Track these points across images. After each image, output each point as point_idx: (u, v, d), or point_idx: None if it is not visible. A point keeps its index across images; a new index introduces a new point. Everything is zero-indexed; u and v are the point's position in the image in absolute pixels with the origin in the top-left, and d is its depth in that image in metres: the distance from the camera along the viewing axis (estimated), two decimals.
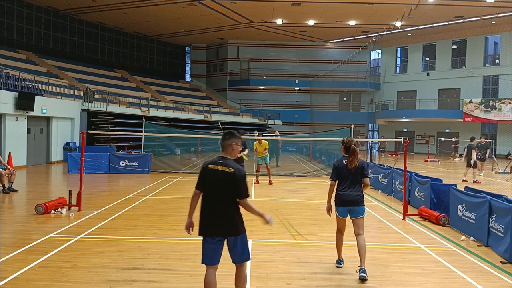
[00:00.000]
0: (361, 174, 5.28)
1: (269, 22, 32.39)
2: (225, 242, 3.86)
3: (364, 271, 4.99)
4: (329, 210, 5.41)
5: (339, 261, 5.53)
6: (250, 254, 4.05)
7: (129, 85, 32.77)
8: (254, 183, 13.38)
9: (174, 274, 5.07)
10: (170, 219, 8.13)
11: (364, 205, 5.29)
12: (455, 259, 5.92)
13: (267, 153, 13.84)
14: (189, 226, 3.99)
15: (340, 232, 5.45)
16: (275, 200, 10.64)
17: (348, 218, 5.36)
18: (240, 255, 3.85)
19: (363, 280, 4.93)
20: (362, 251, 5.10)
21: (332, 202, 5.40)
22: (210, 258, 3.84)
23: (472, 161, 15.08)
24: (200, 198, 3.92)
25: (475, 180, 15.02)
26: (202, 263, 3.89)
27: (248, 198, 3.81)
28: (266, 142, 13.92)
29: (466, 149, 15.77)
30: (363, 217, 5.28)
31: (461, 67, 34.50)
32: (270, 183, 13.61)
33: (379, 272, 5.33)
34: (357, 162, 5.28)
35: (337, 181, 5.38)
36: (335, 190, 5.39)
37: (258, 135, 14.47)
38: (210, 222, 3.82)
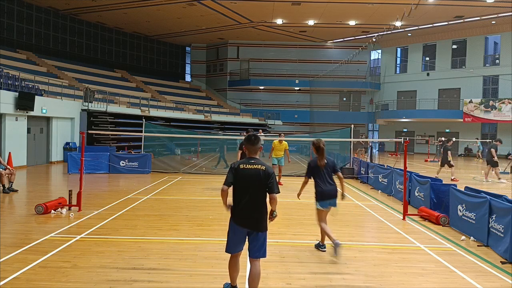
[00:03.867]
0: (333, 169, 6.12)
1: (269, 22, 32.39)
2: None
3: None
4: (298, 196, 6.43)
5: (323, 246, 6.16)
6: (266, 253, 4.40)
7: (129, 85, 32.77)
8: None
9: (174, 274, 5.07)
10: (170, 219, 8.13)
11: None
12: (455, 259, 5.92)
13: (282, 155, 13.31)
14: (229, 206, 4.32)
15: (323, 221, 6.10)
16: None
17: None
18: (259, 250, 4.27)
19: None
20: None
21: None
22: (235, 246, 4.30)
23: (450, 161, 15.72)
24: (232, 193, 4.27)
25: (452, 178, 15.26)
26: (226, 251, 4.33)
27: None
28: (286, 143, 13.31)
29: (442, 150, 16.37)
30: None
31: (461, 67, 34.50)
32: (279, 184, 13.37)
33: (379, 272, 5.33)
34: (325, 160, 6.07)
35: (313, 179, 6.12)
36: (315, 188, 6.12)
37: (280, 135, 13.68)
38: (242, 215, 4.23)
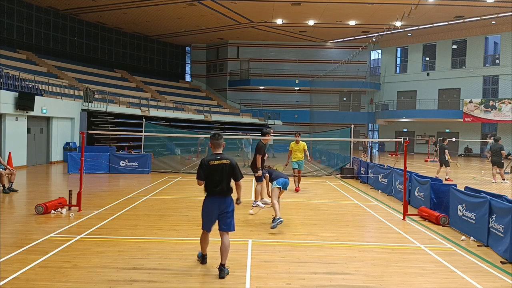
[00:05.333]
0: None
1: (269, 22, 32.39)
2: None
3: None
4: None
5: (280, 219, 7.26)
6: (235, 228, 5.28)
7: (129, 85, 32.77)
8: (296, 190, 12.01)
9: (174, 274, 5.07)
10: (170, 219, 8.13)
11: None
12: (455, 259, 5.92)
13: (302, 157, 12.04)
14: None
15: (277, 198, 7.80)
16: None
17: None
18: (228, 226, 5.17)
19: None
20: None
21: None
22: (209, 225, 5.24)
23: (449, 160, 15.80)
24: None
25: (447, 178, 15.23)
26: (202, 228, 5.29)
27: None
28: (304, 143, 12.06)
29: (438, 149, 16.36)
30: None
31: (461, 67, 34.50)
32: (297, 189, 12.01)
33: (379, 272, 5.33)
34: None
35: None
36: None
37: (295, 134, 12.24)
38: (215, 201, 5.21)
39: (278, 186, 7.78)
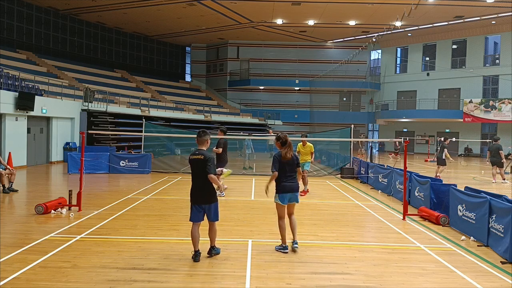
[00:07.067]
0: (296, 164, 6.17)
1: (269, 22, 32.40)
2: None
3: (297, 243, 6.09)
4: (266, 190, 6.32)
5: (285, 247, 6.03)
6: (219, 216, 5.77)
7: (129, 85, 32.77)
8: (300, 193, 11.39)
9: (174, 274, 5.07)
10: (170, 219, 8.13)
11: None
12: (455, 259, 5.92)
13: (310, 159, 11.78)
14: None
15: (281, 218, 6.11)
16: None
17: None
18: (214, 216, 5.68)
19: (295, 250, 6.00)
20: (293, 227, 6.14)
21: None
22: (197, 218, 5.65)
23: (449, 159, 15.94)
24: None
25: (438, 175, 15.22)
26: (190, 220, 5.64)
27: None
28: (311, 145, 11.80)
29: (439, 148, 16.36)
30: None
31: (461, 67, 34.50)
32: (304, 193, 11.53)
33: (379, 272, 5.32)
34: (291, 153, 6.09)
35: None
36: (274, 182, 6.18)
37: (302, 136, 11.99)
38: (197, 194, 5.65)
39: (279, 203, 6.10)
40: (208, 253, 5.70)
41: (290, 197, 6.07)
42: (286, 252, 5.95)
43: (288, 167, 6.06)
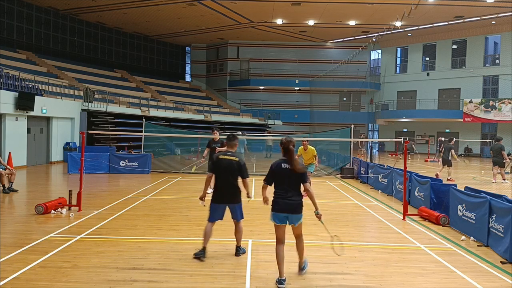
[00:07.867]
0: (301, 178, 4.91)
1: (269, 22, 32.39)
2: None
3: (304, 268, 5.15)
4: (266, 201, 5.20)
5: (281, 281, 4.68)
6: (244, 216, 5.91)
7: (129, 85, 32.77)
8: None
9: (174, 274, 5.07)
10: (170, 219, 8.13)
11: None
12: (455, 259, 5.92)
13: (313, 161, 11.57)
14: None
15: (278, 243, 4.87)
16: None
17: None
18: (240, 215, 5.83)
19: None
20: (300, 250, 5.13)
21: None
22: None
23: (456, 160, 16.11)
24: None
25: (449, 178, 15.22)
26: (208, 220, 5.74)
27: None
28: (313, 148, 11.58)
29: (444, 149, 16.33)
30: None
31: (461, 67, 34.50)
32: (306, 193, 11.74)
33: (379, 272, 5.33)
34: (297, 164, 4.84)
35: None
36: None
37: (304, 139, 11.71)
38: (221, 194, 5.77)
39: (273, 222, 4.94)
40: (236, 254, 5.81)
41: (285, 217, 4.85)
42: (282, 287, 4.65)
43: (287, 181, 4.86)
